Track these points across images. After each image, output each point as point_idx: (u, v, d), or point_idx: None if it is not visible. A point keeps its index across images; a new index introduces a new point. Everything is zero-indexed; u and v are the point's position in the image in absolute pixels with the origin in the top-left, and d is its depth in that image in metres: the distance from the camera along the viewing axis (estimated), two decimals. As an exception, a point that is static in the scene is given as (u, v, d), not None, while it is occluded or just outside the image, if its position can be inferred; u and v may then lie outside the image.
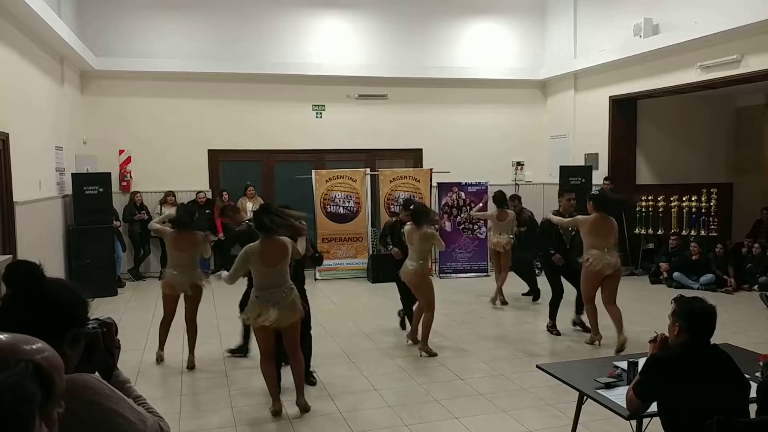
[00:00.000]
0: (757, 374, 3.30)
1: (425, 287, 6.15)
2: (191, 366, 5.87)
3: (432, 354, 6.13)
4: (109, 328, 1.75)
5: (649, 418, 3.13)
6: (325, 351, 6.29)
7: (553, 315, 6.94)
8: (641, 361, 3.13)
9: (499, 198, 8.40)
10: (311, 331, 5.49)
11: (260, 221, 4.57)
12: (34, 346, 1.16)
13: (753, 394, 2.78)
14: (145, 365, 5.94)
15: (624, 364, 3.59)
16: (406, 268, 6.14)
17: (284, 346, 4.77)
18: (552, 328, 6.91)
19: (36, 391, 1.05)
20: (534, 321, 7.69)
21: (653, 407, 2.88)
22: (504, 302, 8.37)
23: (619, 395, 3.20)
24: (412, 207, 6.44)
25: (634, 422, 3.27)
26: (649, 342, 3.14)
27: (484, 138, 11.98)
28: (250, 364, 5.94)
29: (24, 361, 1.07)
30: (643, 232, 10.48)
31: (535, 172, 12.26)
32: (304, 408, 4.75)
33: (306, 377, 5.38)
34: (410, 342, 6.52)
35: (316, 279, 10.24)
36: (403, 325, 7.11)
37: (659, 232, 10.41)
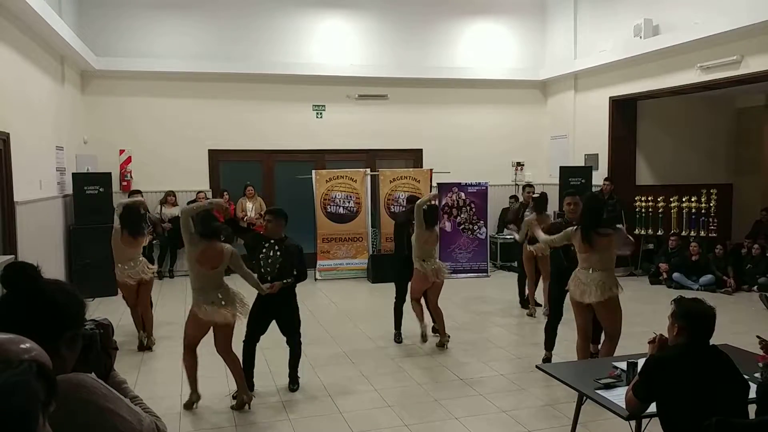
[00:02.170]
0: (756, 375, 3.31)
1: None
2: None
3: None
4: (105, 329, 1.75)
5: (648, 419, 3.14)
6: (325, 351, 6.29)
7: (549, 344, 5.86)
8: (641, 362, 3.14)
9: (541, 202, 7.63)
10: (301, 338, 5.34)
11: (204, 227, 4.65)
12: (22, 346, 1.17)
13: (752, 394, 2.78)
14: (145, 365, 5.94)
15: (623, 365, 3.60)
16: (440, 267, 6.34)
17: (216, 347, 4.84)
18: (546, 362, 5.67)
19: (40, 389, 1.06)
20: (534, 321, 7.69)
21: (652, 408, 2.89)
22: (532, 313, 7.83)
23: (619, 396, 3.21)
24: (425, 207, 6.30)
25: (633, 422, 3.28)
26: (648, 343, 3.16)
27: (484, 138, 11.99)
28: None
29: (27, 361, 1.08)
30: (642, 232, 10.49)
31: (535, 172, 12.27)
32: (241, 404, 4.83)
33: (291, 381, 5.31)
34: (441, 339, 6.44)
35: (316, 279, 10.25)
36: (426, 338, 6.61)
37: (659, 232, 10.42)
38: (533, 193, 8.40)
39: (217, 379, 5.58)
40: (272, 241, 5.06)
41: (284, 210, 5.25)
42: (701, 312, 2.84)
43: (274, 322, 5.22)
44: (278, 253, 5.00)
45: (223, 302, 4.68)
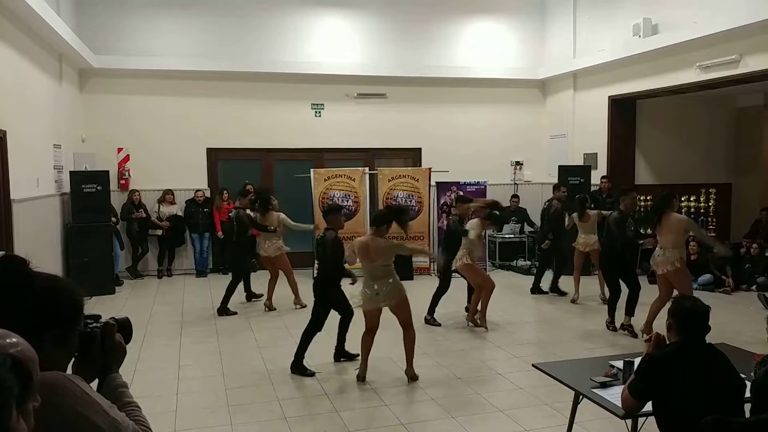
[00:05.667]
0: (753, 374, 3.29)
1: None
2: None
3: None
4: (111, 328, 1.70)
5: (644, 418, 3.13)
6: (323, 350, 6.28)
7: (612, 311, 7.02)
8: (637, 361, 3.13)
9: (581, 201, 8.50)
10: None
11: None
12: (8, 340, 1.15)
13: (748, 393, 2.77)
14: (142, 364, 5.92)
15: (620, 364, 3.59)
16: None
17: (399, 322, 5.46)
18: (610, 324, 7.00)
19: (13, 383, 1.05)
20: (532, 320, 7.68)
21: (648, 406, 2.88)
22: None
23: (615, 394, 3.20)
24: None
25: (629, 421, 3.27)
26: (645, 341, 3.15)
27: (483, 137, 11.97)
28: (248, 363, 5.94)
29: (1, 355, 1.07)
30: (641, 231, 10.45)
31: (533, 171, 12.26)
32: (411, 377, 5.42)
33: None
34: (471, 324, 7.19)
35: (314, 278, 10.22)
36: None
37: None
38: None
39: (215, 378, 5.57)
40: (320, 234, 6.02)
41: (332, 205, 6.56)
42: (690, 310, 2.84)
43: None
44: (317, 243, 6.02)
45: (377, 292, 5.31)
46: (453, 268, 7.19)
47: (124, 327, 1.79)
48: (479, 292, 7.13)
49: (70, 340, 1.56)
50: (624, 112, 10.76)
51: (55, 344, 1.50)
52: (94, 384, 1.67)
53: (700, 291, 8.79)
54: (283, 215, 8.16)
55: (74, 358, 1.63)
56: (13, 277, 1.48)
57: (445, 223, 10.67)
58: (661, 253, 6.37)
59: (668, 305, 3.05)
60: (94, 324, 1.69)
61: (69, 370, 1.59)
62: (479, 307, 7.14)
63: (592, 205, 8.78)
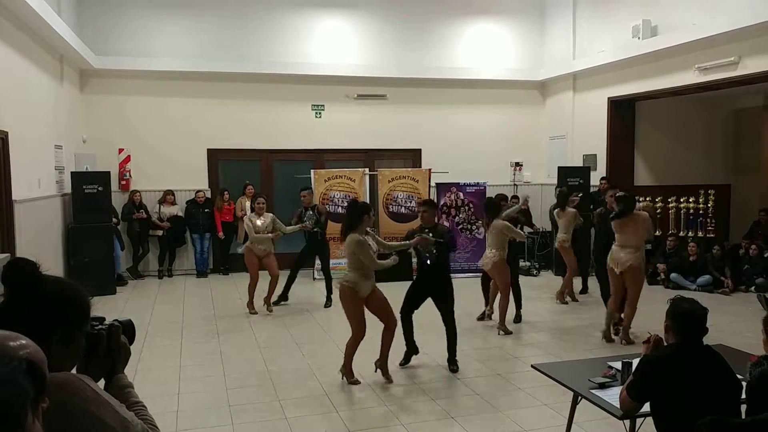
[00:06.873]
0: (748, 375, 3.32)
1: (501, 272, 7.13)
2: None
3: (508, 332, 6.95)
4: (115, 330, 1.73)
5: (642, 418, 3.15)
6: (323, 350, 6.31)
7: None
8: (635, 362, 3.15)
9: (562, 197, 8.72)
10: (454, 319, 5.89)
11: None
12: (17, 343, 1.17)
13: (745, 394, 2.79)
14: (143, 364, 5.94)
15: (618, 365, 3.62)
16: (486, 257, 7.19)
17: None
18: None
19: (29, 387, 1.07)
20: (531, 320, 7.70)
21: (646, 407, 2.91)
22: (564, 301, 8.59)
23: (613, 395, 3.22)
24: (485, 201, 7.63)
25: (627, 422, 3.30)
26: (643, 343, 3.18)
27: (482, 138, 12.00)
28: (249, 363, 5.96)
29: (15, 359, 1.09)
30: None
31: (533, 172, 12.28)
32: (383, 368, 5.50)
33: (450, 362, 5.80)
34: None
35: (314, 278, 10.25)
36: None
37: (657, 232, 10.41)
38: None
39: (216, 378, 5.59)
40: (427, 229, 5.84)
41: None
42: (686, 311, 2.86)
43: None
44: (433, 237, 5.78)
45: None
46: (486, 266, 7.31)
47: (128, 328, 1.82)
48: (496, 292, 7.39)
49: (77, 341, 1.58)
50: (623, 113, 10.78)
51: (63, 346, 1.52)
52: (100, 384, 1.69)
53: (699, 292, 8.83)
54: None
55: (79, 359, 1.66)
56: (22, 279, 1.51)
57: (446, 224, 10.70)
58: (623, 251, 6.37)
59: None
60: (99, 326, 1.72)
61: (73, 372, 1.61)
62: (491, 308, 7.48)
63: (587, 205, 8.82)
